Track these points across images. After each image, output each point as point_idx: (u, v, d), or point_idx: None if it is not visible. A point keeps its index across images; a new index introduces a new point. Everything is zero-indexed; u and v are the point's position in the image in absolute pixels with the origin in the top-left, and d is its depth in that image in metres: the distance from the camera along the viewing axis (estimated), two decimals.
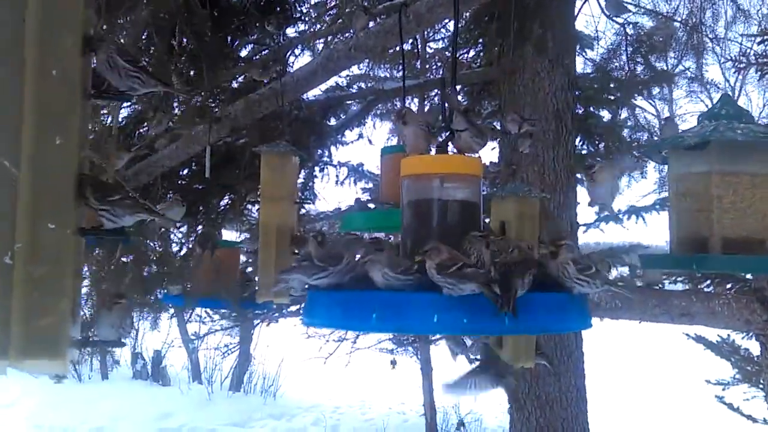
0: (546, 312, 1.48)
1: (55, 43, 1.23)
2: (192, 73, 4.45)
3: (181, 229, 6.28)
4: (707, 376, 5.99)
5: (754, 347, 5.02)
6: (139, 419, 8.92)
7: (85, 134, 1.37)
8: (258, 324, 7.97)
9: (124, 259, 5.51)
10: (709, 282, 4.44)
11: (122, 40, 3.75)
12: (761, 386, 5.28)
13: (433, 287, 1.41)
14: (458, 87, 6.35)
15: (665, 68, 6.06)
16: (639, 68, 5.75)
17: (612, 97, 5.98)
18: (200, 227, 6.04)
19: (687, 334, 5.41)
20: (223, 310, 7.02)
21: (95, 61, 1.42)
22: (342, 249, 1.59)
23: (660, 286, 4.64)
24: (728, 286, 3.93)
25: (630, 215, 6.08)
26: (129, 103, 4.49)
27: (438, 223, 1.67)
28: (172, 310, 7.42)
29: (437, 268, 1.40)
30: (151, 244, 5.86)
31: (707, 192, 1.97)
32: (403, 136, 1.92)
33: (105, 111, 3.80)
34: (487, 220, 2.92)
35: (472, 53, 6.35)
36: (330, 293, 1.53)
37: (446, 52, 6.77)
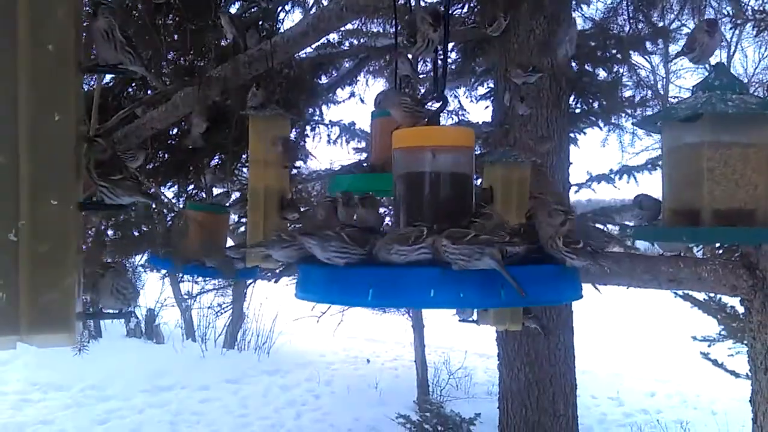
0: (539, 284, 1.48)
1: (48, 16, 1.20)
2: (177, 34, 4.35)
3: (172, 189, 6.25)
4: (693, 333, 6.14)
5: (740, 304, 5.14)
6: (133, 377, 9.03)
7: (80, 108, 1.34)
8: (251, 283, 8.03)
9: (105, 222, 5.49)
10: (701, 247, 4.50)
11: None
12: (746, 342, 5.42)
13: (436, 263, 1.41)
14: (452, 44, 6.28)
15: (664, 24, 5.99)
16: (640, 25, 5.67)
17: (608, 55, 5.92)
18: (191, 187, 6.01)
19: (675, 293, 5.52)
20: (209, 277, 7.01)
21: (91, 30, 1.38)
22: (365, 233, 1.56)
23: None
24: (719, 251, 3.99)
25: (622, 175, 6.12)
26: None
27: (430, 196, 1.66)
28: (164, 271, 7.44)
29: (449, 238, 1.39)
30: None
31: (698, 164, 1.97)
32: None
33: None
34: (479, 182, 2.93)
35: (466, 9, 6.23)
36: (325, 268, 1.51)
37: (441, 7, 6.64)
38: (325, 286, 1.53)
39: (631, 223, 2.72)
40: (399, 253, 1.44)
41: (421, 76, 6.74)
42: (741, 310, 5.21)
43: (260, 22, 5.13)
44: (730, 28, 7.19)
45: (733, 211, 1.94)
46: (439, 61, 1.87)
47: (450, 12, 2.08)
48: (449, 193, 1.67)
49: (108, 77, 4.78)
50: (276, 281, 5.29)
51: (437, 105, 1.86)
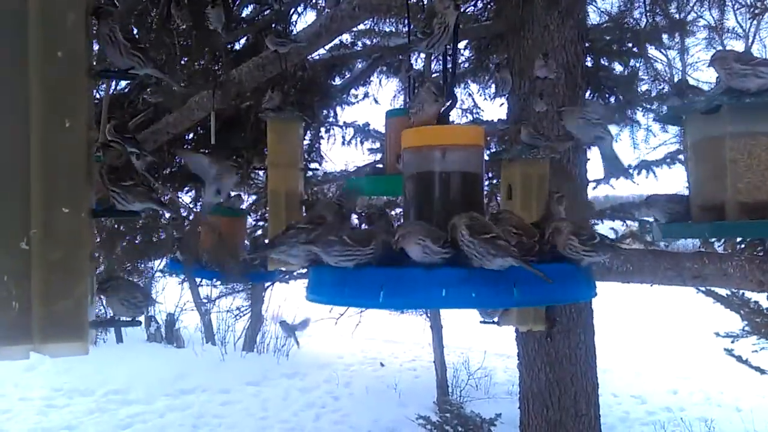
0: (553, 283, 1.43)
1: (58, 23, 1.19)
2: (191, 37, 4.35)
3: (189, 194, 6.28)
4: (716, 329, 6.03)
5: (764, 299, 5.03)
6: (154, 381, 9.10)
7: (91, 114, 1.34)
8: (269, 286, 8.05)
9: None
10: (722, 242, 4.40)
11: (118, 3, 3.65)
12: None
13: (460, 263, 1.38)
14: (465, 41, 6.24)
15: (680, 17, 5.89)
16: (657, 18, 5.57)
17: (624, 49, 5.82)
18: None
19: (697, 288, 5.41)
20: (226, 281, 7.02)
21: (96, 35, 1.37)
22: (369, 231, 1.53)
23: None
24: (741, 246, 3.89)
25: (640, 170, 6.01)
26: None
27: (440, 195, 1.64)
28: (182, 275, 7.49)
29: (468, 230, 1.37)
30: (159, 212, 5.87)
31: (721, 156, 1.91)
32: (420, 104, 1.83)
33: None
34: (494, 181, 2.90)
35: (479, 5, 6.18)
36: (336, 270, 1.49)
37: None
38: (336, 287, 1.51)
39: (651, 219, 2.67)
40: (426, 250, 1.41)
41: (434, 75, 6.69)
42: (766, 305, 5.11)
43: (273, 25, 5.14)
44: (749, 18, 7.04)
45: (760, 203, 1.87)
46: (449, 58, 1.84)
47: (462, 8, 2.05)
48: (459, 193, 1.64)
49: (123, 83, 4.82)
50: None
51: (447, 103, 1.83)
